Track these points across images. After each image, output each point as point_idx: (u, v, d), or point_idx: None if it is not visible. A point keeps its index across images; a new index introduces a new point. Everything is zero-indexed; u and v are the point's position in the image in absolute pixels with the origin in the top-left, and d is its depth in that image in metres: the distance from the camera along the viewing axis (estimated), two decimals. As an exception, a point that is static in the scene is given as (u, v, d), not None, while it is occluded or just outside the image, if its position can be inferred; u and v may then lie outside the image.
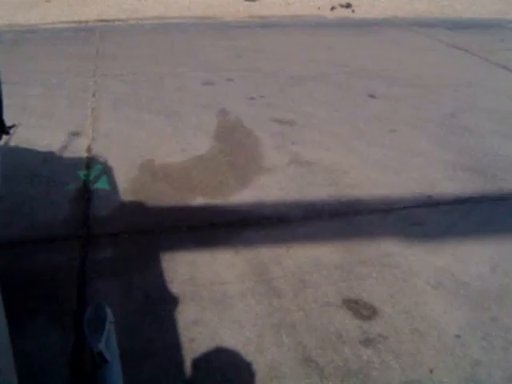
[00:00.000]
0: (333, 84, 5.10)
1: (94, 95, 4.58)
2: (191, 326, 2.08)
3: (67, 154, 3.48)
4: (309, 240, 2.67)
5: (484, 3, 9.70)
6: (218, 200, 3.01)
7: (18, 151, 3.41)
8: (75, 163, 3.37)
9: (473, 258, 2.56)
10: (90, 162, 3.39)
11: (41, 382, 1.84)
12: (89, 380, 1.70)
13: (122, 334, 1.44)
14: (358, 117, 4.30)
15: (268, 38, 6.90)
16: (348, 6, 9.03)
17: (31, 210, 2.85)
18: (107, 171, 3.27)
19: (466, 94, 4.95)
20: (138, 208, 2.91)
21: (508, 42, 7.13)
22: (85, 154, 3.49)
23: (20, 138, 3.48)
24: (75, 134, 3.78)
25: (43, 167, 3.31)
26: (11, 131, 2.49)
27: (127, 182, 3.15)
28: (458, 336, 2.07)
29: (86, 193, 3.04)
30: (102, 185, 3.13)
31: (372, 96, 4.78)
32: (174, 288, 2.29)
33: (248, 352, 1.97)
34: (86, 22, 7.54)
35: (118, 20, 7.69)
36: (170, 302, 2.21)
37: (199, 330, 2.06)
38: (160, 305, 2.19)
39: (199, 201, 3.00)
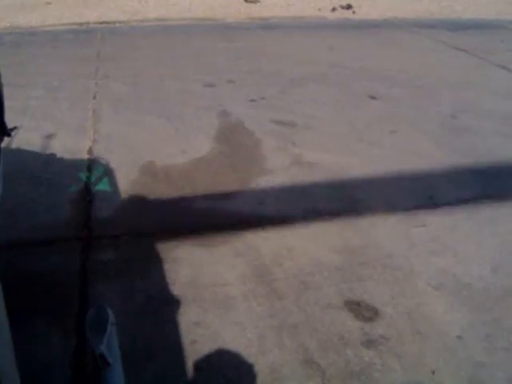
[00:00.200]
0: (333, 85, 5.10)
1: (94, 97, 4.58)
2: (193, 327, 2.08)
3: (68, 156, 3.48)
4: (310, 241, 2.67)
5: (484, 4, 9.70)
6: (219, 201, 3.01)
7: (19, 153, 3.41)
8: (76, 165, 3.37)
9: (474, 259, 2.56)
10: (91, 164, 3.39)
11: (43, 384, 1.84)
12: (90, 382, 1.70)
13: (124, 336, 1.44)
14: (359, 118, 4.30)
15: (269, 40, 6.91)
16: (349, 7, 9.03)
17: (32, 212, 2.85)
18: (108, 173, 3.27)
19: (467, 94, 4.95)
20: (139, 210, 2.91)
21: (508, 42, 7.13)
22: (86, 156, 3.49)
23: (21, 139, 3.48)
24: (76, 136, 3.78)
25: (44, 169, 3.31)
26: (13, 133, 2.49)
27: (128, 184, 3.15)
28: (459, 337, 2.07)
29: (87, 194, 3.04)
30: (103, 186, 3.13)
31: (373, 97, 4.78)
32: (176, 290, 2.29)
33: (250, 354, 1.97)
34: (87, 23, 7.55)
35: (119, 22, 7.70)
36: (171, 303, 2.21)
37: (201, 332, 2.06)
38: (162, 306, 2.19)
39: (200, 202, 3.00)
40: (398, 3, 9.55)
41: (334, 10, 8.88)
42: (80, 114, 4.20)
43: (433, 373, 1.91)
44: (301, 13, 8.68)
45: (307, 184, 3.22)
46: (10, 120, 2.35)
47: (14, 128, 2.49)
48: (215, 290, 2.30)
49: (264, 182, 3.24)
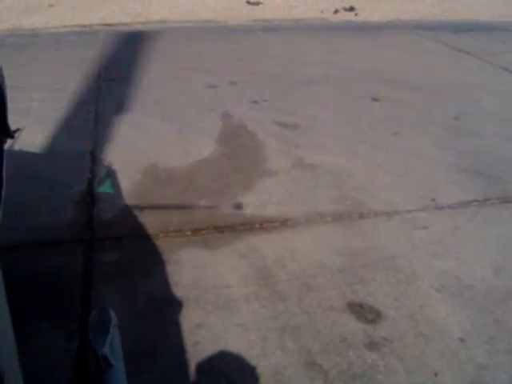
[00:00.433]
0: (336, 87, 5.10)
1: (97, 99, 4.59)
2: (195, 329, 2.09)
3: (71, 158, 3.49)
4: (312, 243, 2.67)
5: (486, 5, 9.70)
6: (221, 203, 3.02)
7: (22, 155, 3.42)
8: (79, 166, 3.37)
9: (477, 261, 2.56)
10: (93, 166, 3.39)
11: (45, 386, 1.84)
12: (93, 383, 1.70)
13: (126, 337, 1.44)
14: (362, 120, 4.30)
15: (271, 42, 6.91)
16: (351, 9, 9.03)
17: (35, 213, 2.86)
18: (111, 174, 3.28)
19: (469, 96, 4.95)
20: (141, 211, 2.92)
21: (510, 44, 7.12)
22: (89, 158, 3.50)
23: (24, 141, 3.49)
24: (79, 138, 3.79)
25: (47, 171, 3.32)
26: (16, 135, 2.50)
27: (131, 186, 3.16)
28: (462, 339, 2.07)
29: (89, 196, 3.05)
30: (105, 188, 3.13)
31: (375, 99, 4.78)
32: (178, 291, 2.29)
33: (252, 356, 1.97)
34: (90, 26, 7.56)
35: (122, 24, 7.71)
36: (174, 305, 2.21)
37: (203, 334, 2.06)
38: (164, 308, 2.20)
39: (203, 204, 3.01)
40: (401, 5, 9.55)
41: (336, 12, 8.89)
42: (83, 116, 4.21)
43: (435, 375, 1.91)
44: (303, 15, 8.69)
45: (309, 186, 3.22)
46: (13, 122, 2.36)
47: (17, 130, 2.50)
48: (218, 291, 2.30)
49: (266, 183, 3.24)
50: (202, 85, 5.03)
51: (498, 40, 7.30)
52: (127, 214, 2.89)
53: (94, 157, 3.51)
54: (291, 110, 4.46)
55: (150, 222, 2.83)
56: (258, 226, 2.81)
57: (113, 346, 1.24)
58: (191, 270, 2.43)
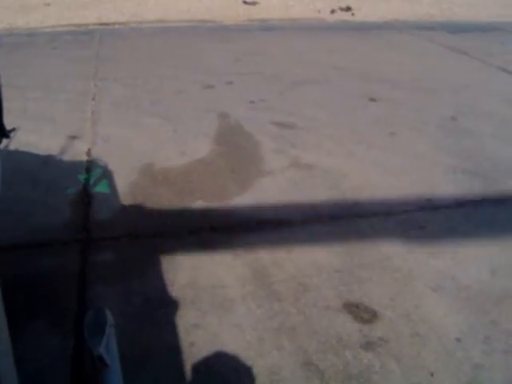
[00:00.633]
0: (333, 87, 5.10)
1: (93, 99, 4.58)
2: (191, 329, 2.08)
3: (67, 158, 3.48)
4: (309, 243, 2.67)
5: (484, 6, 9.72)
6: (218, 203, 3.01)
7: (18, 155, 3.41)
8: (75, 167, 3.37)
9: (473, 261, 2.56)
10: (89, 166, 3.39)
11: (41, 386, 1.83)
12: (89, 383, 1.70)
13: (122, 338, 1.43)
14: (359, 120, 4.30)
15: (268, 42, 6.91)
16: (348, 9, 9.05)
17: (31, 214, 2.85)
18: (107, 175, 3.27)
19: (466, 97, 4.96)
20: (138, 212, 2.91)
21: (508, 44, 7.14)
22: (85, 158, 3.49)
23: (20, 141, 3.48)
24: (75, 138, 3.78)
25: (43, 171, 3.31)
26: (11, 135, 2.49)
27: (127, 186, 3.15)
28: (458, 339, 2.07)
29: (85, 196, 3.04)
30: (101, 188, 3.13)
31: (372, 99, 4.78)
32: (175, 292, 2.28)
33: (248, 356, 1.97)
34: (86, 25, 7.55)
35: (118, 23, 7.70)
36: (170, 305, 2.20)
37: (199, 334, 2.06)
38: (160, 308, 2.19)
39: (199, 204, 3.00)
40: (398, 5, 9.57)
41: (333, 12, 8.89)
42: (79, 116, 4.20)
43: (431, 375, 1.91)
44: (300, 15, 8.69)
45: (306, 186, 3.22)
46: (8, 121, 2.35)
47: (13, 129, 2.49)
48: (214, 291, 2.29)
49: (263, 183, 3.24)
50: (198, 84, 5.03)
51: (496, 41, 7.32)
52: (123, 215, 2.89)
53: (90, 156, 3.51)
54: (288, 109, 4.46)
55: (145, 222, 2.82)
56: (254, 226, 2.81)
57: (108, 346, 1.23)
58: (187, 270, 2.42)
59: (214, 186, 3.19)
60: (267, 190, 3.16)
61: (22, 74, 5.17)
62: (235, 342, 2.03)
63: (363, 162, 3.55)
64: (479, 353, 2.01)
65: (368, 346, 2.03)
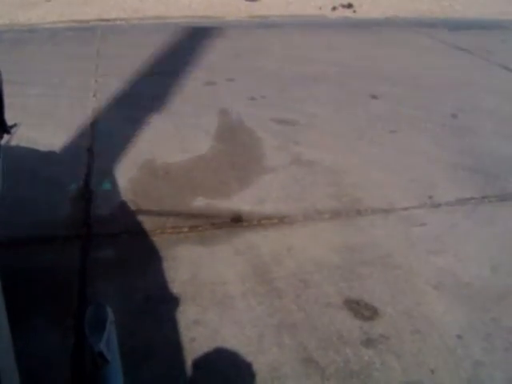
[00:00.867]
0: (334, 84, 5.09)
1: (94, 95, 4.57)
2: (192, 325, 2.08)
3: (68, 154, 3.48)
4: (310, 240, 2.67)
5: (485, 4, 9.69)
6: (218, 200, 3.01)
7: (18, 150, 3.40)
8: (76, 162, 3.36)
9: (474, 259, 2.56)
10: (90, 162, 3.38)
11: (42, 383, 1.83)
12: (89, 380, 1.70)
13: (123, 334, 1.43)
14: (360, 117, 4.29)
15: (269, 38, 6.89)
16: (349, 5, 9.01)
17: (32, 210, 2.85)
18: (108, 171, 3.26)
19: (467, 94, 4.95)
20: (138, 208, 2.91)
21: (509, 42, 7.12)
22: (86, 154, 3.48)
23: (21, 137, 3.48)
24: (76, 134, 3.78)
25: (44, 167, 3.31)
26: (12, 130, 2.48)
27: (128, 182, 3.15)
28: (459, 336, 2.07)
29: (86, 192, 3.04)
30: (102, 184, 3.12)
31: (373, 96, 4.77)
32: (175, 288, 2.28)
33: (249, 352, 1.97)
34: (87, 21, 7.53)
35: (119, 19, 7.68)
36: (170, 301, 2.20)
37: (200, 330, 2.06)
38: (161, 305, 2.19)
39: (200, 201, 3.00)
40: (399, 2, 9.53)
41: (334, 8, 8.86)
42: (80, 112, 4.19)
43: (432, 372, 1.91)
44: (301, 11, 8.66)
45: (307, 183, 3.21)
46: (9, 117, 2.35)
47: (14, 125, 2.48)
48: (214, 288, 2.29)
49: (264, 180, 3.23)
50: (199, 81, 5.01)
51: (498, 38, 7.29)
52: (124, 211, 2.88)
53: (91, 152, 3.50)
54: (289, 106, 4.45)
55: (146, 218, 2.82)
56: (255, 222, 2.81)
57: (109, 343, 1.23)
58: (188, 267, 2.42)
59: (215, 183, 3.18)
60: (268, 187, 3.16)
61: (23, 69, 5.16)
62: (235, 338, 2.03)
63: (364, 159, 3.55)
64: (480, 350, 2.01)
65: (369, 342, 2.03)
